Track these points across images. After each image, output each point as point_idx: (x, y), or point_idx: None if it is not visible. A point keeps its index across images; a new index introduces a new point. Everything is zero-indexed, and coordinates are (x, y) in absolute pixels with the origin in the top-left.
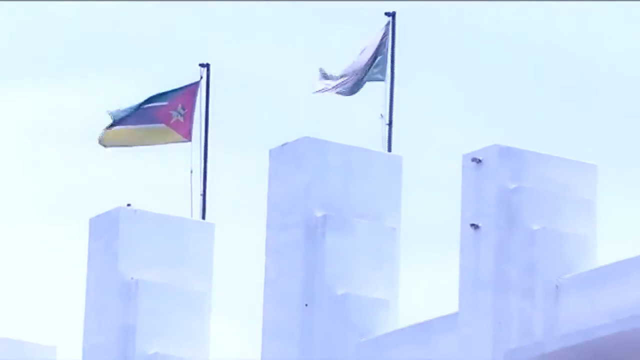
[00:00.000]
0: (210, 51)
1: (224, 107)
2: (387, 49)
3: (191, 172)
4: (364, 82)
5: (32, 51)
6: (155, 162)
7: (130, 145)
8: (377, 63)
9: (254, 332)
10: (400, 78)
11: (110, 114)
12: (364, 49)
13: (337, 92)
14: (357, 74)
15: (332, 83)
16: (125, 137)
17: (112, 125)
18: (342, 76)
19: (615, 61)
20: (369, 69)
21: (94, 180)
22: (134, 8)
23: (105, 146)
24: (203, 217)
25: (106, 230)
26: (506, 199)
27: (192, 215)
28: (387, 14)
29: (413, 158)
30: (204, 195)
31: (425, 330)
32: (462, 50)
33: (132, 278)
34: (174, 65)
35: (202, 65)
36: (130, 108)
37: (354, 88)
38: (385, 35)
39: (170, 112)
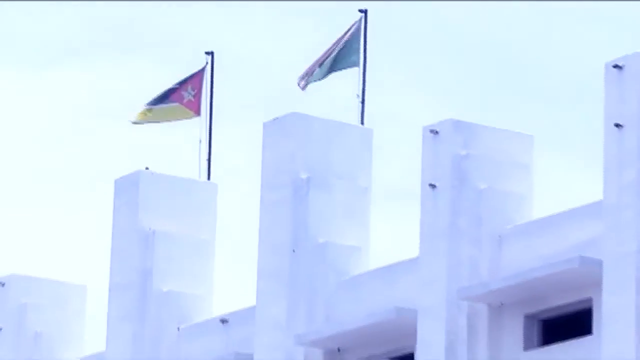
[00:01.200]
0: (214, 41)
1: (226, 87)
2: (361, 40)
3: (200, 141)
4: (338, 69)
5: (69, 41)
6: (170, 133)
7: (154, 122)
8: (351, 52)
9: (250, 273)
10: (371, 64)
11: (150, 102)
12: (336, 41)
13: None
14: (326, 60)
15: (308, 76)
16: (150, 116)
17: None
18: (313, 65)
19: (548, 52)
20: (336, 56)
21: (119, 148)
22: (152, 6)
23: (136, 124)
24: (208, 178)
25: (128, 189)
26: (458, 164)
27: (199, 177)
28: (360, 10)
29: (382, 130)
30: (209, 160)
31: (391, 271)
32: (423, 41)
33: (149, 229)
34: (185, 53)
35: (207, 53)
36: (157, 96)
37: (327, 73)
38: (356, 28)
39: (182, 92)
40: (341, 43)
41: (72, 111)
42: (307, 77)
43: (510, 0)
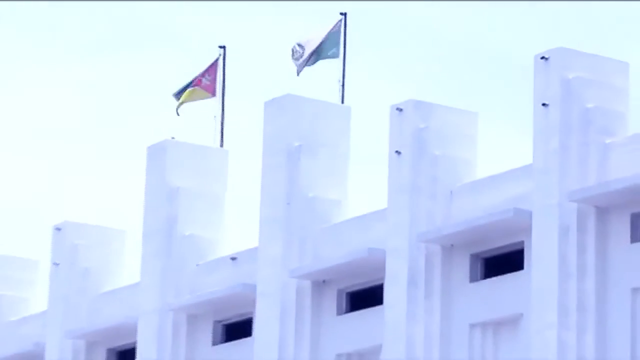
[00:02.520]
0: (225, 36)
1: (235, 74)
2: (341, 36)
3: (214, 116)
4: (322, 58)
5: (103, 38)
6: (191, 109)
7: (186, 102)
8: (333, 45)
9: (253, 221)
10: (349, 56)
11: (174, 94)
12: (318, 36)
13: (302, 67)
14: (311, 52)
15: (298, 62)
16: (182, 99)
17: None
18: (301, 56)
19: (492, 45)
20: (320, 47)
21: (150, 122)
22: (171, 7)
23: (179, 113)
24: (221, 146)
25: (158, 154)
26: (418, 135)
27: (214, 144)
28: (341, 13)
29: (358, 108)
30: (221, 131)
31: (365, 220)
32: (391, 38)
33: (174, 186)
34: (201, 46)
35: (220, 46)
36: (182, 87)
37: (312, 62)
38: (337, 27)
39: (201, 79)
40: (324, 36)
41: (113, 94)
42: (303, 63)
43: (464, 1)
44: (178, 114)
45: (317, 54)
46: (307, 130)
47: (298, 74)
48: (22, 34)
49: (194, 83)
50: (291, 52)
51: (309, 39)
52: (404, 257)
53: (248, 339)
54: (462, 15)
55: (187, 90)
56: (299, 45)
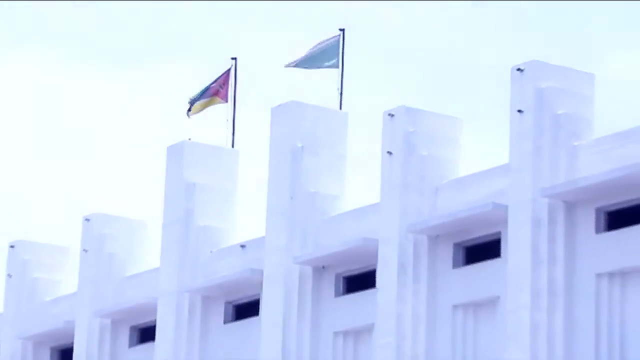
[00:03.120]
0: (236, 49)
1: (245, 82)
2: (339, 50)
3: (227, 120)
4: (322, 67)
5: (124, 50)
6: (206, 113)
7: (201, 111)
8: (332, 57)
9: (261, 213)
10: (347, 67)
11: (190, 99)
12: (317, 44)
13: (295, 66)
14: (306, 55)
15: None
16: (198, 107)
17: (191, 104)
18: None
19: (477, 58)
20: (318, 55)
21: (170, 125)
22: (189, 20)
23: (189, 116)
24: (232, 146)
25: (176, 153)
26: (407, 138)
27: (226, 145)
28: (340, 29)
29: (354, 113)
30: (233, 133)
31: (360, 212)
32: (385, 51)
33: (191, 181)
34: (214, 58)
35: (232, 58)
36: (198, 93)
37: (302, 64)
38: (336, 41)
39: (218, 88)
40: (322, 45)
41: (139, 100)
42: (297, 61)
43: (452, 21)
44: (189, 117)
45: (314, 61)
46: (309, 132)
47: (285, 66)
48: (61, 48)
49: (211, 93)
50: (290, 64)
51: (309, 48)
52: (394, 246)
53: (255, 317)
54: (449, 32)
55: (205, 100)
56: (294, 61)
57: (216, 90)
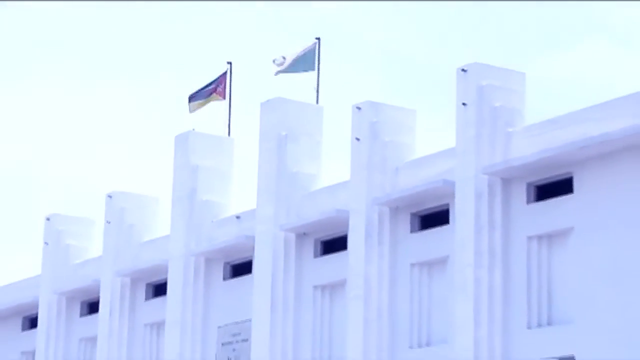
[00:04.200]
0: (231, 54)
1: (239, 83)
2: (316, 55)
3: (225, 114)
4: (302, 70)
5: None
6: (207, 109)
7: (202, 107)
8: (308, 58)
9: (253, 190)
10: (322, 68)
11: (189, 95)
12: (300, 52)
13: (279, 72)
14: (290, 62)
15: (278, 67)
16: (197, 105)
17: (190, 99)
18: (282, 64)
19: (431, 59)
20: (298, 60)
21: (177, 119)
22: (190, 29)
23: (190, 111)
24: (229, 135)
25: (183, 141)
26: (373, 127)
27: (224, 134)
28: (316, 38)
29: (329, 107)
30: (229, 124)
31: (333, 188)
32: (352, 56)
33: (195, 164)
34: (211, 62)
35: (228, 62)
36: (197, 91)
37: (287, 69)
38: (312, 48)
39: (216, 87)
40: (302, 52)
41: (151, 97)
42: (281, 69)
43: (409, 27)
44: (190, 112)
45: (296, 66)
46: (291, 123)
47: (275, 74)
48: (86, 54)
49: (210, 92)
50: (273, 60)
51: (290, 54)
52: (362, 216)
53: (249, 275)
54: (407, 39)
55: (205, 99)
56: (283, 57)
57: (215, 89)
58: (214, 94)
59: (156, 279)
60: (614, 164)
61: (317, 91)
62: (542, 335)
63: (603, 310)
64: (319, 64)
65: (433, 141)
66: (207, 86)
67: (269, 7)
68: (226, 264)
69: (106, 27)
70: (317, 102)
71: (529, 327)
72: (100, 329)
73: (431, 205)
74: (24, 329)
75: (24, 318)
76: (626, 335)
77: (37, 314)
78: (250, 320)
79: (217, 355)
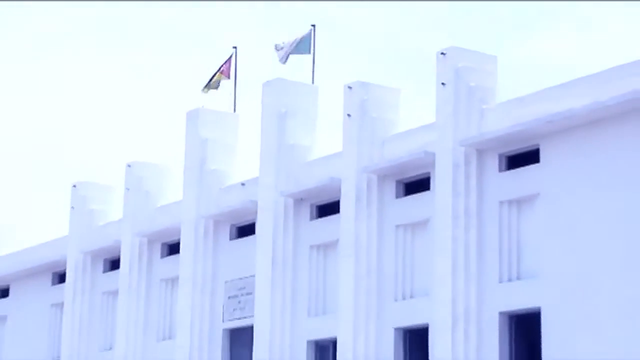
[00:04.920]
0: (236, 39)
1: (243, 65)
2: (312, 40)
3: (230, 93)
4: (299, 53)
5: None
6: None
7: (212, 88)
8: (304, 43)
9: (256, 160)
10: (317, 51)
11: (205, 84)
12: (297, 38)
13: (283, 60)
14: (289, 49)
15: (279, 53)
16: (210, 86)
17: (206, 86)
18: (282, 49)
19: (412, 39)
20: (297, 45)
21: (189, 96)
22: (201, 16)
23: (204, 92)
24: (234, 111)
25: (193, 116)
26: (363, 104)
27: (230, 110)
28: (312, 25)
29: (323, 86)
30: (234, 102)
31: (327, 159)
32: (346, 37)
33: (204, 137)
34: (219, 48)
35: (234, 47)
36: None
37: (286, 54)
38: (308, 34)
39: (223, 68)
40: (300, 38)
41: (167, 78)
42: (284, 55)
43: (398, 13)
44: (203, 92)
45: (295, 50)
46: (290, 101)
47: (281, 61)
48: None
49: (220, 72)
50: (275, 46)
51: (288, 40)
52: (352, 183)
53: (252, 236)
54: (393, 24)
55: (216, 75)
56: (283, 42)
57: (221, 70)
58: (219, 74)
59: (170, 239)
60: (576, 137)
61: (313, 72)
62: (512, 288)
63: (566, 266)
64: (314, 48)
65: (415, 117)
66: (216, 73)
67: None
68: (232, 225)
69: (129, 16)
70: (313, 82)
71: (500, 281)
72: (121, 284)
73: (414, 173)
74: (53, 284)
75: (54, 274)
76: (585, 287)
77: (65, 270)
78: (253, 275)
79: (224, 307)
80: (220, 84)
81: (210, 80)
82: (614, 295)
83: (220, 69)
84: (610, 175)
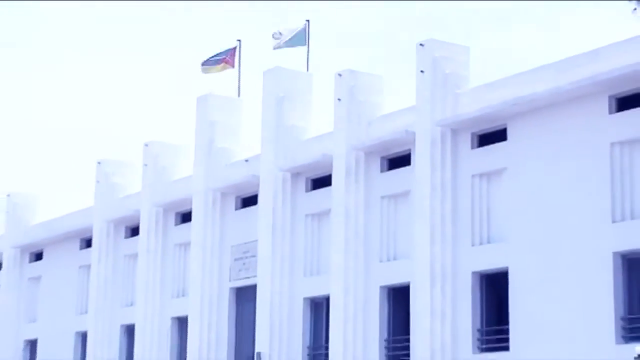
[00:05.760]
0: (238, 33)
1: (246, 55)
2: (306, 33)
3: (235, 79)
4: (295, 45)
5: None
6: (222, 75)
7: (214, 72)
8: (300, 36)
9: (257, 138)
10: (311, 43)
11: (203, 62)
12: (293, 31)
13: (276, 47)
14: (285, 40)
15: (277, 40)
16: (209, 70)
17: (203, 64)
18: (279, 37)
19: (394, 33)
20: (292, 38)
21: (199, 83)
22: (210, 11)
23: (203, 73)
24: (239, 96)
25: (203, 101)
26: (351, 90)
27: (235, 95)
28: (306, 20)
29: (317, 74)
30: (239, 87)
31: (320, 138)
32: (336, 31)
33: (212, 119)
34: (225, 40)
35: (238, 40)
36: (209, 57)
37: (284, 45)
38: (303, 28)
39: (226, 57)
40: (295, 31)
41: (178, 68)
42: (279, 44)
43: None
44: (203, 73)
45: (291, 42)
46: (287, 86)
47: (274, 48)
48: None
49: (222, 61)
50: (272, 34)
51: (285, 30)
52: (343, 159)
53: (255, 206)
54: (379, 19)
55: (219, 65)
56: (279, 32)
57: (225, 59)
58: (224, 63)
59: (183, 209)
60: (539, 118)
61: (307, 62)
62: (483, 250)
63: (530, 230)
64: (308, 40)
65: (398, 100)
66: (216, 55)
67: None
68: (237, 197)
69: (148, 15)
70: (307, 70)
71: (472, 245)
72: (140, 248)
73: (396, 150)
74: (81, 248)
75: (81, 240)
76: (547, 249)
77: (91, 236)
78: (256, 240)
79: (230, 268)
80: (225, 72)
81: (210, 60)
82: (573, 255)
83: (221, 54)
84: (568, 150)
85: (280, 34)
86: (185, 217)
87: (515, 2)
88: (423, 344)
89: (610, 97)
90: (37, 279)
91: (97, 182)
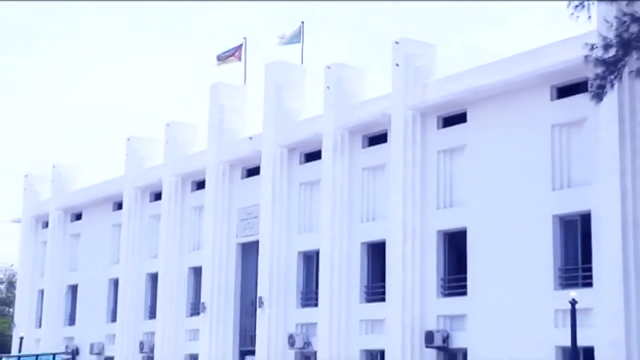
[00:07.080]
0: (245, 31)
1: (252, 50)
2: (302, 32)
3: (241, 70)
4: (292, 43)
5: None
6: (229, 67)
7: (224, 64)
8: (297, 37)
9: (259, 120)
10: (306, 40)
11: (217, 55)
12: (291, 32)
13: (282, 44)
14: (286, 39)
15: (281, 40)
16: (222, 62)
17: (218, 58)
18: (283, 37)
19: (376, 32)
20: (290, 37)
21: (211, 75)
22: (217, 10)
23: (218, 65)
24: (245, 84)
25: (215, 89)
26: (339, 80)
27: (241, 84)
28: (301, 21)
29: (310, 67)
30: (245, 77)
31: (313, 120)
32: (328, 30)
33: (222, 104)
34: (231, 38)
35: (244, 37)
36: (222, 52)
37: (285, 42)
38: (299, 28)
39: (234, 52)
40: (292, 31)
41: (194, 60)
42: (283, 42)
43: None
44: (217, 65)
45: (289, 40)
46: (285, 77)
47: (279, 44)
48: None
49: (230, 55)
50: (279, 36)
51: (286, 32)
52: (331, 138)
53: (258, 175)
54: (363, 19)
55: (229, 57)
56: (283, 35)
57: (233, 54)
58: (232, 57)
59: (198, 178)
60: (493, 104)
61: (302, 56)
62: (446, 213)
63: (485, 196)
64: (303, 38)
65: (377, 88)
66: (228, 51)
67: None
68: (243, 168)
69: (170, 13)
70: (302, 63)
71: (437, 208)
72: (162, 211)
73: (375, 129)
74: (113, 210)
75: (114, 203)
76: (500, 212)
77: (121, 200)
78: (258, 204)
79: (237, 227)
80: (234, 64)
81: (221, 55)
82: (520, 216)
83: (232, 50)
84: (517, 130)
85: (284, 35)
86: (200, 185)
87: (474, 5)
88: (396, 290)
89: (551, 87)
90: (77, 235)
91: (127, 155)
